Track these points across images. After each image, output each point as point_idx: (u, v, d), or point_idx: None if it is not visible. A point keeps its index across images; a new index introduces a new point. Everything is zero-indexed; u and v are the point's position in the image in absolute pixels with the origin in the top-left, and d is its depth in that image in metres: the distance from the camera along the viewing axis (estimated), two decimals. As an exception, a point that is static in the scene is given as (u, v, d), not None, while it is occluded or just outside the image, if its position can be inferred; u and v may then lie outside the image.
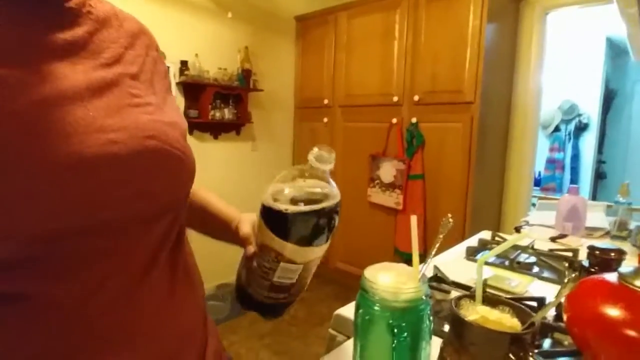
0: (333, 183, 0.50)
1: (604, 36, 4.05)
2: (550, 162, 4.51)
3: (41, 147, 0.31)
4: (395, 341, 0.43)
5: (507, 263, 1.04)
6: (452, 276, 0.90)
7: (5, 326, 0.34)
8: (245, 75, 2.71)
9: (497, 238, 1.25)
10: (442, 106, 2.33)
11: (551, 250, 1.15)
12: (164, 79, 0.49)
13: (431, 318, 0.47)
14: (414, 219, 0.47)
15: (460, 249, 1.18)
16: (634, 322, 0.50)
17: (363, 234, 2.77)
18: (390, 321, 0.45)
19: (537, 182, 4.29)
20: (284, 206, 0.46)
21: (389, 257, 2.57)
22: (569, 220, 1.30)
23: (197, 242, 0.59)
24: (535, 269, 1.02)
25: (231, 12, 2.64)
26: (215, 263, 1.97)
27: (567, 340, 0.68)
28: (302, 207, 0.46)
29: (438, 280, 0.88)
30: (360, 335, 0.49)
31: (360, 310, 0.48)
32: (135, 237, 0.39)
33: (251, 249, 0.51)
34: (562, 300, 0.59)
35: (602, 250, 0.78)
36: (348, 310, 0.75)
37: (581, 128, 4.41)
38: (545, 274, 0.98)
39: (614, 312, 0.52)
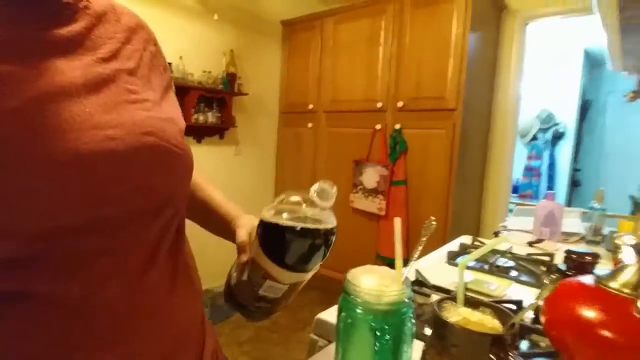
0: (332, 214, 0.49)
1: (582, 49, 4.20)
2: (528, 170, 4.64)
3: (38, 144, 0.31)
4: (377, 344, 0.43)
5: (486, 267, 1.06)
6: (433, 280, 0.90)
7: (6, 324, 0.34)
8: (230, 78, 2.69)
9: (476, 243, 1.27)
10: (426, 113, 2.37)
11: (529, 254, 1.17)
12: (162, 74, 0.48)
13: (413, 321, 0.48)
14: (397, 222, 0.47)
15: (441, 253, 1.19)
16: (610, 323, 0.51)
17: (345, 239, 2.78)
18: (373, 324, 0.45)
19: (515, 189, 4.39)
20: (281, 221, 0.46)
21: (371, 262, 2.52)
22: (546, 226, 1.33)
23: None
24: (514, 273, 1.04)
25: (217, 15, 2.62)
26: (198, 269, 1.95)
27: (544, 342, 0.69)
28: (296, 224, 0.46)
29: (419, 284, 0.89)
30: (343, 339, 0.48)
31: (343, 314, 0.48)
32: (134, 234, 0.39)
33: (244, 257, 0.51)
34: (540, 303, 0.61)
35: (578, 254, 0.81)
36: (330, 315, 0.75)
37: (558, 137, 4.55)
38: (523, 278, 1.00)
39: (590, 313, 0.53)
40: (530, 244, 1.28)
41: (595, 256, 0.80)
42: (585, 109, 4.74)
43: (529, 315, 0.75)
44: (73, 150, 0.32)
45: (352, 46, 2.70)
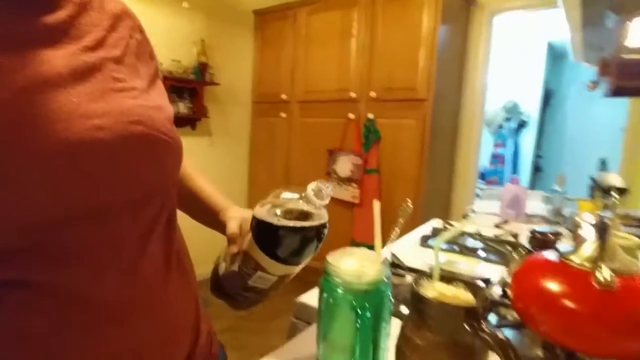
0: (324, 211, 0.51)
1: (545, 41, 4.36)
2: (494, 157, 4.82)
3: (28, 135, 0.31)
4: (359, 321, 0.45)
5: (456, 248, 1.10)
6: (408, 262, 0.93)
7: (4, 311, 0.35)
8: (201, 68, 2.63)
9: (447, 225, 1.32)
10: (398, 103, 2.41)
11: (495, 235, 1.23)
12: (149, 62, 0.47)
13: (392, 299, 0.50)
14: (376, 204, 0.49)
15: (414, 236, 1.23)
16: (572, 295, 0.55)
17: (321, 227, 2.80)
18: (354, 303, 0.46)
19: (482, 176, 4.56)
20: (274, 219, 0.47)
21: (347, 249, 2.62)
22: (511, 208, 1.40)
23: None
24: (482, 253, 1.09)
25: (187, 2, 2.54)
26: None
27: (510, 315, 0.73)
28: (289, 222, 0.47)
29: (395, 266, 0.91)
30: (325, 319, 0.50)
31: (324, 294, 0.49)
32: (125, 224, 0.39)
33: (234, 249, 0.52)
34: (508, 279, 0.64)
35: (542, 233, 0.86)
36: (309, 297, 0.76)
37: (522, 126, 4.74)
38: (491, 257, 1.06)
39: (554, 286, 0.57)
40: (497, 225, 1.34)
41: (557, 234, 0.85)
42: (547, 98, 4.95)
43: (497, 291, 0.79)
44: (62, 140, 0.32)
45: (325, 37, 2.69)
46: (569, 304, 0.54)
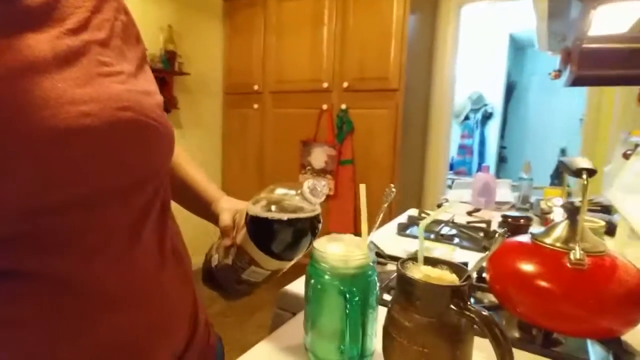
0: (319, 207, 0.52)
1: (507, 33, 4.51)
2: (462, 148, 4.96)
3: (11, 123, 0.30)
4: (348, 306, 0.45)
5: (432, 236, 1.13)
6: (387, 250, 0.95)
7: None
8: (169, 57, 2.54)
9: (423, 214, 1.35)
10: (370, 93, 2.43)
11: (468, 222, 1.27)
12: (136, 45, 0.45)
13: (378, 283, 0.50)
14: (362, 188, 0.49)
15: (392, 225, 1.25)
16: (546, 274, 0.57)
17: (295, 219, 2.79)
18: (342, 288, 0.46)
19: (451, 167, 4.69)
20: (269, 214, 0.48)
21: (322, 240, 2.63)
22: (482, 196, 1.44)
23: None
24: (456, 240, 1.13)
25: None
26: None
27: (487, 299, 0.76)
28: (283, 215, 0.48)
29: (375, 254, 0.92)
30: (313, 305, 0.50)
31: (312, 280, 0.49)
32: (116, 211, 0.38)
33: (227, 242, 0.53)
34: (484, 264, 0.67)
35: (513, 217, 0.89)
36: (293, 287, 0.76)
37: (487, 117, 4.90)
38: (465, 244, 1.09)
39: (529, 267, 0.59)
40: (469, 213, 1.39)
41: (528, 219, 0.89)
42: (510, 90, 5.14)
43: (473, 276, 0.81)
44: (49, 128, 0.31)
45: (296, 25, 2.66)
46: (542, 283, 0.57)
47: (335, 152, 2.54)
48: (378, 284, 0.50)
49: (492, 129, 4.95)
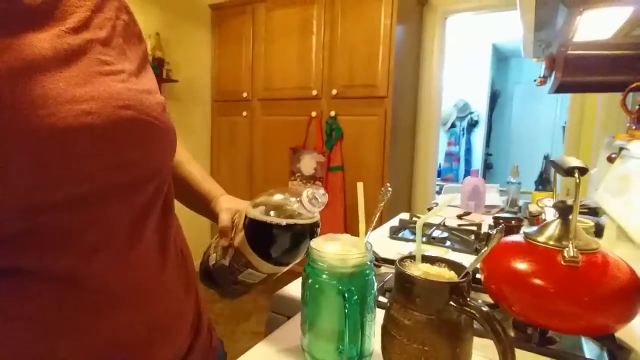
0: (317, 214, 0.52)
1: (490, 43, 4.62)
2: (449, 155, 5.03)
3: (14, 121, 0.29)
4: (347, 305, 0.44)
5: (424, 239, 1.13)
6: (380, 253, 0.95)
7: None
8: (158, 64, 2.52)
9: (414, 218, 1.35)
10: (359, 100, 2.44)
11: (459, 225, 1.28)
12: (137, 44, 0.45)
13: (375, 283, 0.50)
14: (360, 186, 0.49)
15: (383, 229, 1.25)
16: (541, 272, 0.58)
17: (285, 227, 2.78)
18: (340, 287, 0.46)
19: (438, 174, 4.74)
20: (267, 219, 0.49)
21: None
22: (471, 200, 1.46)
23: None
24: (448, 243, 1.13)
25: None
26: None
27: (481, 299, 0.76)
28: (282, 220, 0.49)
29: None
30: (311, 306, 0.49)
31: (310, 280, 0.48)
32: (116, 209, 0.38)
33: (225, 242, 0.53)
34: (479, 265, 0.67)
35: (505, 219, 0.90)
36: (288, 290, 0.75)
37: (472, 124, 4.98)
38: (457, 246, 1.10)
39: (523, 265, 0.60)
40: (460, 216, 1.40)
41: (520, 220, 0.90)
42: (494, 98, 5.25)
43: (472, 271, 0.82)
44: (49, 126, 0.31)
45: (285, 34, 2.68)
46: (537, 281, 0.57)
47: (324, 159, 2.54)
48: (376, 283, 0.50)
49: (478, 137, 5.03)
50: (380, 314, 0.48)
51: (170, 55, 2.67)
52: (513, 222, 0.89)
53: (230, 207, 0.56)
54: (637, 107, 1.02)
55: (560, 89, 1.33)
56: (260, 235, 0.50)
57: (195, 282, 0.53)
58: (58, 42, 0.34)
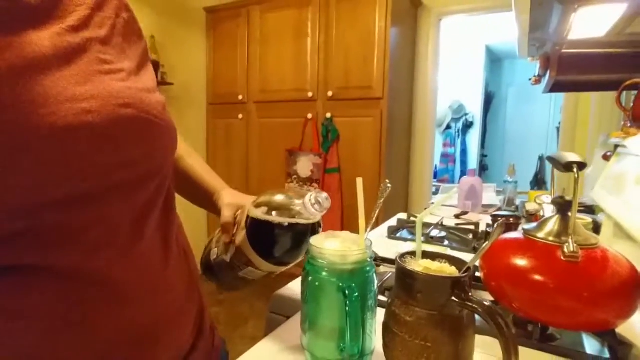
0: (319, 215, 0.52)
1: (484, 45, 4.65)
2: (444, 157, 5.04)
3: (11, 120, 0.29)
4: (347, 302, 0.44)
5: (422, 239, 1.13)
6: (379, 253, 0.94)
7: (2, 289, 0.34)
8: (153, 67, 2.50)
9: (412, 218, 1.35)
10: (354, 102, 2.45)
11: (457, 224, 1.28)
12: (137, 43, 0.45)
13: (376, 280, 0.49)
14: (359, 181, 0.48)
15: (381, 230, 1.25)
16: (541, 268, 0.58)
17: (282, 229, 2.77)
18: (341, 284, 0.45)
19: (434, 175, 4.76)
20: (269, 218, 0.49)
21: (309, 250, 2.61)
22: (468, 199, 1.46)
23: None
24: (446, 242, 1.13)
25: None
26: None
27: (480, 297, 0.76)
28: (284, 219, 0.49)
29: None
30: (311, 304, 0.48)
31: (310, 278, 0.48)
32: (118, 207, 0.38)
33: (227, 238, 0.53)
34: (478, 262, 0.66)
35: (503, 217, 0.90)
36: (287, 291, 0.74)
37: (468, 126, 5.01)
38: (455, 245, 1.10)
39: (523, 262, 0.60)
40: (457, 216, 1.40)
41: (518, 218, 0.90)
42: (489, 100, 5.28)
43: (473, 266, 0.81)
44: (49, 125, 0.31)
45: (280, 36, 2.68)
46: (537, 277, 0.57)
47: (321, 161, 2.54)
48: (376, 281, 0.49)
49: (473, 138, 5.06)
50: (380, 313, 0.48)
51: (166, 58, 2.66)
52: (511, 219, 0.89)
53: (233, 202, 0.56)
54: (631, 104, 1.03)
55: (555, 88, 1.34)
56: (261, 235, 0.50)
57: (198, 281, 0.53)
58: (58, 41, 0.34)
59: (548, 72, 1.22)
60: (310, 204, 0.48)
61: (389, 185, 0.53)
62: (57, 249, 0.35)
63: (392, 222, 1.35)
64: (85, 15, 0.38)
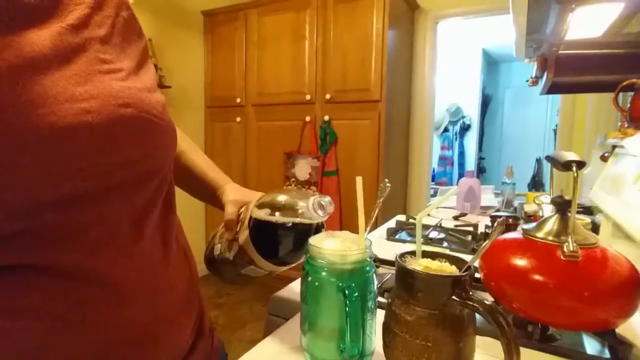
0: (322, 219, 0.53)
1: (480, 48, 4.68)
2: (442, 159, 5.05)
3: (11, 120, 0.29)
4: (347, 302, 0.43)
5: (421, 240, 1.13)
6: (377, 255, 0.94)
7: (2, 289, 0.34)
8: (149, 68, 2.51)
9: (411, 220, 1.35)
10: (352, 104, 2.45)
11: (455, 226, 1.28)
12: (137, 40, 0.45)
13: (375, 281, 0.49)
14: (359, 180, 0.48)
15: (380, 231, 1.25)
16: (540, 268, 0.57)
17: (280, 232, 2.76)
18: (340, 284, 0.45)
19: (432, 178, 4.77)
20: (272, 218, 0.49)
21: (307, 253, 2.60)
22: (467, 201, 1.46)
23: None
24: (445, 243, 1.13)
25: (130, -1, 2.42)
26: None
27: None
28: (286, 219, 0.49)
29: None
30: (310, 304, 0.48)
31: (309, 278, 0.47)
32: (117, 207, 0.38)
33: (230, 236, 0.53)
34: (477, 263, 0.66)
35: (502, 217, 0.90)
36: (286, 292, 0.74)
37: (465, 128, 5.03)
38: (454, 246, 1.09)
39: (523, 261, 0.59)
40: (456, 217, 1.40)
41: (517, 218, 0.90)
42: (486, 103, 5.30)
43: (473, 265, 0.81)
44: (49, 125, 0.31)
45: (278, 39, 2.69)
46: (537, 277, 0.57)
47: (319, 164, 2.53)
48: (376, 281, 0.49)
49: (471, 141, 5.07)
50: (379, 314, 0.48)
51: (163, 62, 2.66)
52: (510, 220, 0.89)
53: (237, 199, 0.56)
54: (628, 105, 1.04)
55: (552, 89, 1.34)
56: (264, 236, 0.50)
57: (197, 281, 0.53)
58: (58, 40, 0.34)
59: (545, 74, 1.22)
60: (313, 209, 0.48)
61: (388, 184, 0.52)
62: (57, 249, 0.35)
63: (391, 224, 1.34)
64: (84, 14, 0.38)
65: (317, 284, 0.47)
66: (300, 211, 0.49)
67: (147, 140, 0.39)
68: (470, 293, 0.42)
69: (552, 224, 0.62)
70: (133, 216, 0.40)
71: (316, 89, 2.56)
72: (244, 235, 0.51)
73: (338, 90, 2.48)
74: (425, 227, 1.23)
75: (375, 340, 0.49)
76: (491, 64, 5.23)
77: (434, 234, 1.20)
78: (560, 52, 1.10)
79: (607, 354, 0.57)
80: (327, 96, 2.50)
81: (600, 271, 0.56)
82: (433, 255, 0.48)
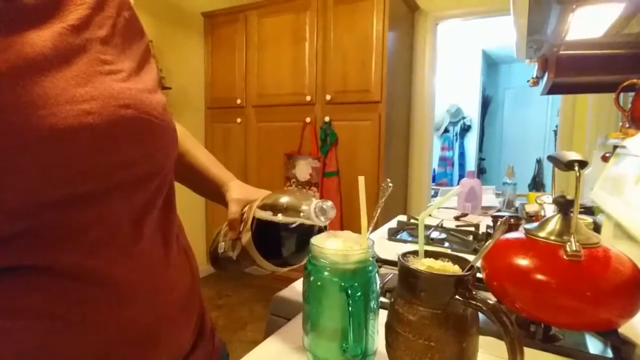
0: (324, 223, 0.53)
1: (480, 49, 4.68)
2: (442, 160, 5.05)
3: (11, 121, 0.29)
4: (350, 301, 0.43)
5: (423, 240, 1.12)
6: (379, 255, 0.94)
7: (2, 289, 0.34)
8: (149, 70, 2.51)
9: (412, 220, 1.35)
10: (353, 105, 2.45)
11: (457, 226, 1.27)
12: (139, 40, 0.45)
13: (378, 280, 0.49)
14: (361, 180, 0.48)
15: (381, 232, 1.24)
16: (543, 268, 0.57)
17: (281, 233, 2.76)
18: (343, 283, 0.45)
19: (433, 178, 4.76)
20: (275, 218, 0.50)
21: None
22: (468, 201, 1.46)
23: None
24: (447, 244, 1.12)
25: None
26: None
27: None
28: (288, 219, 0.49)
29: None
30: (313, 304, 0.48)
31: (312, 278, 0.47)
32: (117, 207, 0.38)
33: (234, 235, 0.54)
34: (479, 263, 0.66)
35: (504, 217, 0.90)
36: (287, 292, 0.74)
37: (465, 129, 5.03)
38: (455, 246, 1.09)
39: (525, 261, 0.59)
40: (457, 218, 1.40)
41: (519, 218, 0.90)
42: (486, 104, 5.30)
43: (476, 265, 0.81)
44: (49, 126, 0.31)
45: (278, 41, 2.69)
46: (540, 277, 0.57)
47: (319, 164, 2.53)
48: (379, 281, 0.49)
49: (471, 141, 5.08)
50: (382, 314, 0.48)
51: (163, 63, 2.66)
52: (512, 220, 0.89)
53: (240, 197, 0.56)
54: (629, 105, 1.04)
55: (553, 89, 1.34)
56: (267, 238, 0.51)
57: (198, 280, 0.53)
58: (58, 41, 0.34)
59: (546, 74, 1.22)
60: (315, 215, 0.48)
61: (390, 184, 0.52)
62: (57, 249, 0.34)
63: (392, 224, 1.34)
64: (85, 14, 0.38)
65: (319, 283, 0.47)
66: (302, 214, 0.50)
67: (147, 141, 0.39)
68: (474, 292, 0.41)
69: (554, 224, 0.62)
70: (133, 216, 0.40)
71: (316, 90, 2.56)
72: (246, 236, 0.52)
73: (338, 92, 2.48)
74: (427, 227, 1.23)
75: (378, 340, 0.49)
76: (491, 65, 5.24)
77: (435, 234, 1.20)
78: (560, 52, 1.10)
79: (609, 354, 0.57)
80: (328, 97, 2.50)
81: (603, 271, 0.56)
82: (435, 255, 0.48)
